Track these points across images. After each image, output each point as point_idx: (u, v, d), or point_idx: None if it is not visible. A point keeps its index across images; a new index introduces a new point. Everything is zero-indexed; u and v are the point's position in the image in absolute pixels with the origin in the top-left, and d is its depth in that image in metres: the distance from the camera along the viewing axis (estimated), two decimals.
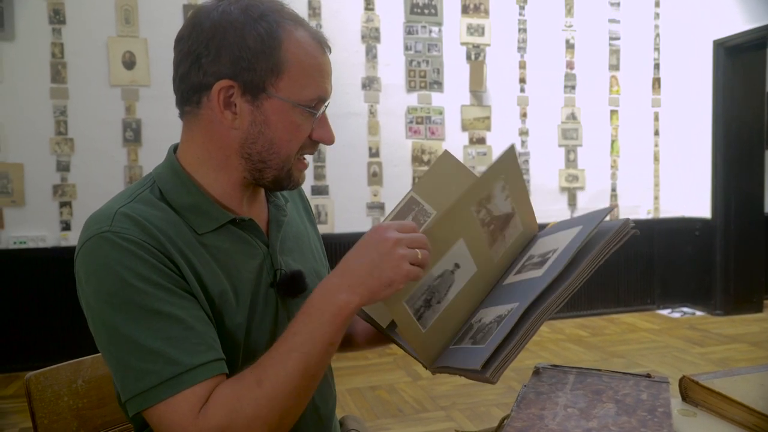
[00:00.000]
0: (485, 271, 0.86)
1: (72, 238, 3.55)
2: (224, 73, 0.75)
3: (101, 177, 3.57)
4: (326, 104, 0.82)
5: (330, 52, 0.82)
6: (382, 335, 0.93)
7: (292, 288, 0.85)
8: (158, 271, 0.72)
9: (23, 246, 3.48)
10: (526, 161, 4.40)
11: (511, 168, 0.86)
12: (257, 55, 0.75)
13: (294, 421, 0.73)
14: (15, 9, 3.43)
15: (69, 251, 3.51)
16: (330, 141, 0.83)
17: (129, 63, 3.61)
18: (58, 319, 3.42)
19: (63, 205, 3.56)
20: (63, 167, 3.55)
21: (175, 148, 0.85)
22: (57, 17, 3.49)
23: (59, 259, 3.44)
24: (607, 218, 0.82)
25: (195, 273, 0.76)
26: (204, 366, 0.70)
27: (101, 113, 3.58)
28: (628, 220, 0.77)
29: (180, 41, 0.79)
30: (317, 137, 0.82)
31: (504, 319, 0.76)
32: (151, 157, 3.63)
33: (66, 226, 3.56)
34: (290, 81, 0.77)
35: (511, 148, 0.84)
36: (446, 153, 0.96)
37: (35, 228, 3.52)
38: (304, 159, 0.84)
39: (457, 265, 0.82)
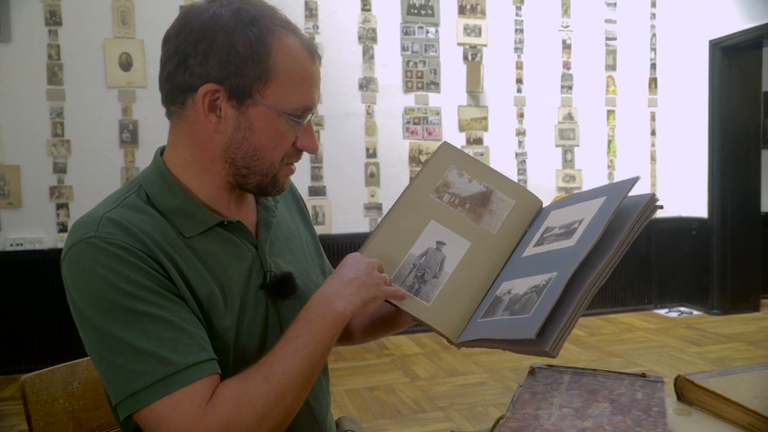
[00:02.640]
0: (485, 244, 0.91)
1: None
2: (211, 76, 0.75)
3: (98, 178, 3.56)
4: (312, 113, 0.82)
5: (320, 61, 0.82)
6: (380, 327, 1.01)
7: (282, 290, 0.85)
8: (146, 274, 0.72)
9: (20, 248, 3.47)
10: (524, 161, 4.40)
11: (455, 158, 0.97)
12: (245, 61, 0.74)
13: (291, 419, 0.74)
14: (11, 10, 3.43)
15: None
16: (313, 150, 0.83)
17: (126, 64, 3.61)
18: (54, 321, 3.42)
19: (60, 206, 3.55)
20: (60, 169, 3.54)
21: (162, 151, 0.85)
22: (53, 19, 3.49)
23: (56, 261, 3.43)
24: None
25: (183, 276, 0.75)
26: (197, 366, 0.70)
27: (98, 115, 3.58)
28: (653, 194, 0.79)
29: (168, 40, 0.78)
30: (301, 146, 0.82)
31: (545, 288, 0.76)
32: (148, 159, 3.57)
33: (63, 228, 3.55)
34: (277, 89, 0.77)
35: (442, 144, 0.98)
36: (446, 144, 0.99)
37: (32, 230, 3.51)
38: (292, 165, 0.84)
39: (441, 243, 0.91)
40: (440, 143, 0.99)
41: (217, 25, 0.74)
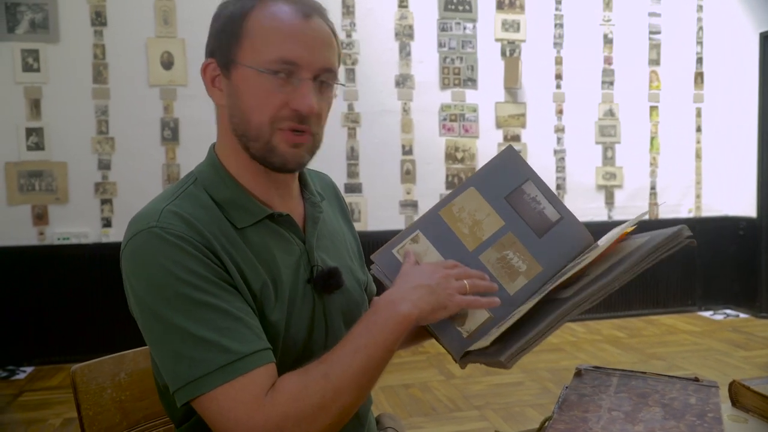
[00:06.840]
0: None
1: (113, 235, 3.64)
2: (207, 53, 0.82)
3: (141, 175, 3.65)
4: (294, 67, 0.76)
5: (319, 19, 0.78)
6: (414, 335, 0.94)
7: (328, 284, 0.85)
8: (205, 265, 0.73)
9: (66, 242, 3.59)
10: (562, 159, 4.32)
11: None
12: (225, 29, 0.79)
13: (349, 418, 0.74)
14: (59, 12, 3.54)
15: (110, 247, 3.62)
16: (305, 109, 0.76)
17: (167, 63, 3.68)
18: (99, 313, 3.52)
19: (104, 202, 3.65)
20: (104, 166, 3.64)
21: (214, 146, 0.87)
22: (99, 19, 3.59)
23: (101, 255, 3.54)
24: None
25: (238, 268, 0.77)
26: (256, 354, 0.72)
27: (140, 113, 3.67)
28: (684, 227, 0.76)
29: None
30: (294, 105, 0.76)
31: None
32: (189, 156, 3.70)
33: (107, 223, 3.66)
34: (251, 46, 0.77)
35: (509, 148, 0.92)
36: (510, 148, 0.93)
37: (78, 225, 3.62)
38: (293, 132, 0.77)
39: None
40: (506, 147, 0.92)
41: (219, 9, 0.81)
